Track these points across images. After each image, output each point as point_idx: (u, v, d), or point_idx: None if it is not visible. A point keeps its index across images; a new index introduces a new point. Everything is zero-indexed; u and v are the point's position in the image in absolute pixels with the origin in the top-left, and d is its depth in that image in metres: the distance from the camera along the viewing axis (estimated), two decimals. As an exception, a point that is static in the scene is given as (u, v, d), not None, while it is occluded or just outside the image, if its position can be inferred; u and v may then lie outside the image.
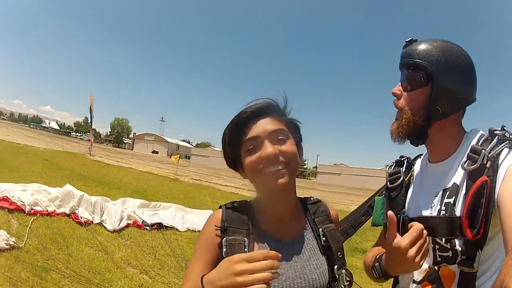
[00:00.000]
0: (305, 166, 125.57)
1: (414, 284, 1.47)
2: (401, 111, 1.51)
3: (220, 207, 1.35)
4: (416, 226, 1.21)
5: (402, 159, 1.77)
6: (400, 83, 1.54)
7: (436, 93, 1.41)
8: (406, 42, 1.53)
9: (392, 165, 1.79)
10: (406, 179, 1.68)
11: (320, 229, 1.37)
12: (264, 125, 1.29)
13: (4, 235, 5.66)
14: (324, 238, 1.34)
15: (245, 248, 1.21)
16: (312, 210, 1.43)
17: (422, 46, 1.46)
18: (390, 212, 1.27)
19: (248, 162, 1.28)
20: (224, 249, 1.20)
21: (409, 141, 1.56)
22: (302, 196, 1.51)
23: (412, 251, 1.17)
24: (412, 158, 1.76)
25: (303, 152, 1.45)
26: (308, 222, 1.40)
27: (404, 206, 1.63)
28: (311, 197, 1.51)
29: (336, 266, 1.32)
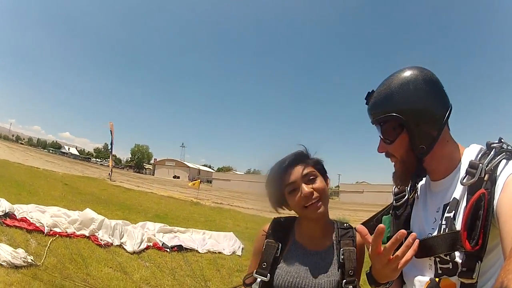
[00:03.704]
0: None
1: None
2: (396, 163, 1.55)
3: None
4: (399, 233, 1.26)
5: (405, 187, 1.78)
6: (380, 139, 1.56)
7: (413, 135, 1.44)
8: (366, 97, 1.58)
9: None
10: (410, 197, 1.71)
11: (342, 249, 1.65)
12: (298, 171, 1.66)
13: (22, 253, 5.63)
14: (342, 257, 1.63)
15: (277, 249, 1.67)
16: (341, 233, 1.72)
17: (381, 96, 1.49)
18: (380, 226, 1.32)
19: (293, 201, 1.66)
20: (264, 248, 1.69)
21: (409, 185, 1.67)
22: (338, 220, 1.84)
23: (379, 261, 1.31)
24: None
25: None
26: (334, 242, 1.70)
27: (409, 224, 1.65)
28: (345, 223, 1.81)
29: (344, 281, 1.57)
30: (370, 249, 1.35)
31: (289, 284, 1.58)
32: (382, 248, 1.31)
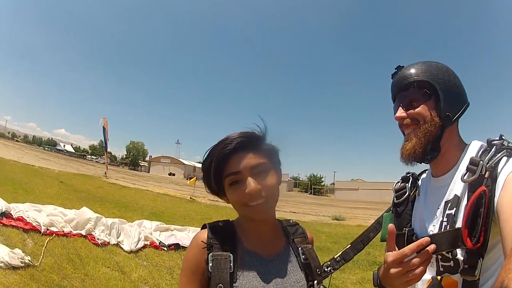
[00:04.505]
0: (322, 184, 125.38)
1: None
2: (413, 130, 1.52)
3: (202, 227, 1.43)
4: (418, 242, 1.32)
5: (407, 175, 1.80)
6: (400, 107, 1.55)
7: (444, 100, 1.45)
8: (395, 70, 1.59)
9: (399, 181, 1.82)
10: (411, 194, 1.72)
11: (300, 248, 1.47)
12: (246, 160, 1.34)
13: (19, 253, 5.61)
14: (303, 256, 1.45)
15: (230, 263, 1.28)
16: (291, 231, 1.54)
17: (412, 68, 1.52)
18: (390, 226, 1.40)
19: (233, 196, 1.35)
20: (210, 264, 1.28)
21: (418, 161, 1.57)
22: (282, 219, 1.61)
23: (395, 270, 1.31)
24: (417, 174, 1.79)
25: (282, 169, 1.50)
26: (287, 242, 1.50)
27: (410, 221, 1.66)
28: (290, 219, 1.64)
29: (315, 282, 1.42)
30: (388, 253, 1.34)
31: None
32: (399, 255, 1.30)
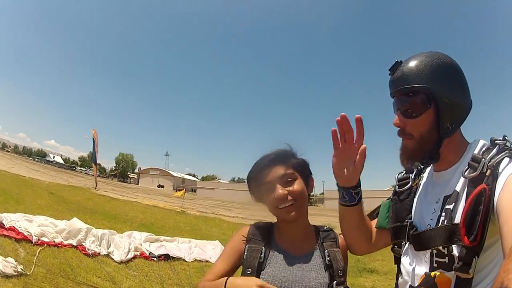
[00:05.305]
0: (311, 194, 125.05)
1: None
2: (410, 140, 1.51)
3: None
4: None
5: (412, 166, 1.78)
6: (398, 112, 1.52)
7: (443, 111, 1.42)
8: (391, 66, 1.53)
9: (402, 172, 1.82)
10: (414, 184, 1.72)
11: (326, 250, 1.66)
12: (276, 171, 1.66)
13: (12, 262, 5.67)
14: (328, 258, 1.63)
15: (261, 254, 1.60)
16: (322, 236, 1.75)
17: (412, 67, 1.45)
18: (356, 116, 1.51)
19: (267, 201, 1.67)
20: (246, 253, 1.61)
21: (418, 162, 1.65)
22: (318, 225, 1.86)
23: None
24: (422, 166, 1.77)
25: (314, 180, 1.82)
26: (317, 244, 1.71)
27: (411, 212, 1.66)
28: (325, 226, 1.86)
29: (335, 282, 1.58)
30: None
31: None
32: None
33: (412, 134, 1.49)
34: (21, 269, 5.66)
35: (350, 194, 1.67)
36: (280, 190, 1.62)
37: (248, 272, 1.56)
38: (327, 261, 1.63)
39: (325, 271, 1.61)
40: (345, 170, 1.59)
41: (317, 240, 1.73)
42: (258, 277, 1.53)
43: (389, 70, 1.53)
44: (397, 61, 1.52)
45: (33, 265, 6.12)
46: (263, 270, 1.58)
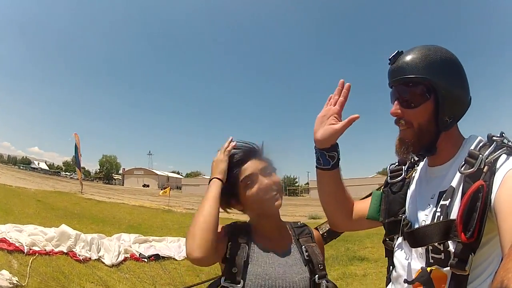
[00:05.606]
0: (296, 184, 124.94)
1: (406, 284, 1.48)
2: (407, 129, 1.48)
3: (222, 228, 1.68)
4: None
5: (406, 158, 1.71)
6: (396, 101, 1.48)
7: (443, 104, 1.40)
8: (392, 56, 1.49)
9: (395, 163, 1.79)
10: (407, 177, 1.69)
11: (303, 246, 1.70)
12: (255, 164, 1.69)
13: (7, 274, 5.77)
14: (306, 253, 1.67)
15: (244, 253, 1.57)
16: (297, 232, 1.78)
17: (414, 58, 1.43)
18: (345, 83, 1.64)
19: (250, 194, 1.64)
20: (229, 251, 1.57)
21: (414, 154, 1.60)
22: (291, 221, 1.88)
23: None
24: (417, 159, 1.72)
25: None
26: (293, 240, 1.75)
27: (404, 206, 1.63)
28: (299, 221, 1.88)
29: (317, 276, 1.62)
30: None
31: None
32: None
33: (412, 122, 1.46)
34: (16, 281, 5.77)
35: (324, 157, 1.67)
36: (266, 180, 1.64)
37: (234, 271, 1.52)
38: (305, 257, 1.66)
39: (305, 266, 1.64)
40: (323, 130, 1.63)
41: (293, 236, 1.76)
42: (245, 276, 1.53)
43: (389, 59, 1.50)
44: (398, 51, 1.49)
45: (27, 276, 6.23)
46: (248, 269, 1.56)
